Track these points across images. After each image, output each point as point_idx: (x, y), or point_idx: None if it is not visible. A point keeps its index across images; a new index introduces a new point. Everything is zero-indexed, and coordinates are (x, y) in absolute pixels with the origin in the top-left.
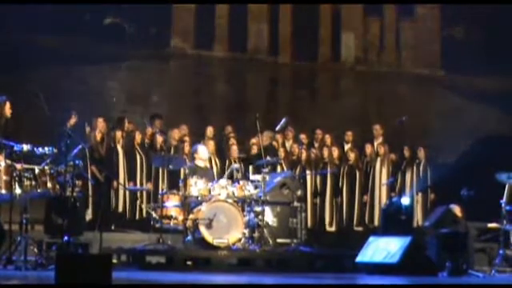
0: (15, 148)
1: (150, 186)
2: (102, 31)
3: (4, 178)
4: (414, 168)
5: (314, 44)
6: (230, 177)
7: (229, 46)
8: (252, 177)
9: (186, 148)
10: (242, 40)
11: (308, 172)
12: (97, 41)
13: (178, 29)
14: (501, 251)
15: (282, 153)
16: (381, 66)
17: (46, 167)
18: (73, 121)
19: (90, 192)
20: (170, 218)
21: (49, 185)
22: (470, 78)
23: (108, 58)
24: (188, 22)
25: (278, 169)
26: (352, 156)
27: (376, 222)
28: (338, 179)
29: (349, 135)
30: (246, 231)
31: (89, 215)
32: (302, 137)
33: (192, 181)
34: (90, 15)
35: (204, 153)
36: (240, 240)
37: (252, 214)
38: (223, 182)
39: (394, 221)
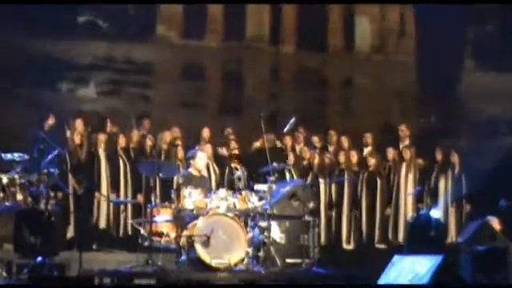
0: None
1: (140, 198)
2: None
3: None
4: (447, 175)
5: (322, 30)
6: (231, 186)
7: (223, 35)
8: (256, 186)
9: (179, 153)
10: (239, 27)
11: (321, 180)
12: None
13: (163, 15)
14: None
15: (291, 158)
16: (401, 55)
17: (16, 176)
18: (50, 122)
19: (71, 205)
20: (160, 234)
21: (19, 197)
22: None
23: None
24: (175, 7)
25: (287, 176)
26: (372, 161)
27: (401, 239)
28: (356, 188)
29: (368, 137)
30: (250, 250)
31: (70, 232)
32: (315, 139)
33: (186, 191)
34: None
35: (202, 159)
36: (243, 260)
37: (256, 230)
38: (222, 192)
39: (423, 237)
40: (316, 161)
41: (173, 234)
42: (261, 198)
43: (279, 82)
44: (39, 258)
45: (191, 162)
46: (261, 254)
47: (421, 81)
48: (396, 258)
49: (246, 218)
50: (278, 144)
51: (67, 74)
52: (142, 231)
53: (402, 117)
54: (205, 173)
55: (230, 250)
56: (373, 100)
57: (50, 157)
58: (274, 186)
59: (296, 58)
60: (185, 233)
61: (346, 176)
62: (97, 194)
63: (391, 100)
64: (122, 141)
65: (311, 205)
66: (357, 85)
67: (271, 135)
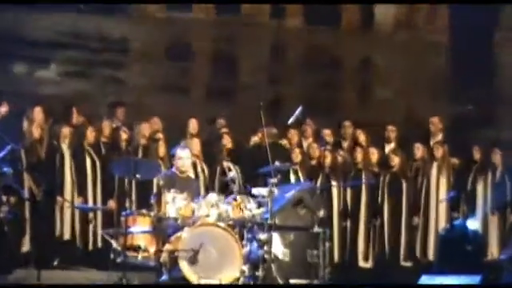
0: None
1: (112, 204)
2: None
3: None
4: (486, 177)
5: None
6: (223, 190)
7: (215, 7)
8: (254, 190)
9: (161, 149)
10: None
11: (334, 183)
12: None
13: None
14: None
15: (297, 155)
16: (432, 34)
17: None
18: (3, 110)
19: (28, 212)
20: (137, 249)
21: None
22: None
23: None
24: None
25: (292, 178)
26: (396, 160)
27: (431, 255)
28: (376, 193)
29: (391, 130)
30: (246, 268)
31: (25, 245)
32: (326, 133)
33: (169, 196)
34: None
35: (189, 157)
36: (237, 280)
37: (254, 244)
38: (213, 197)
39: (458, 252)
40: (327, 160)
41: (152, 249)
42: (260, 205)
43: (282, 63)
44: None
45: (175, 160)
46: (259, 273)
47: (455, 63)
48: (424, 278)
49: (242, 228)
50: (281, 139)
51: (23, 52)
52: (115, 244)
53: (433, 107)
54: (191, 173)
55: (221, 268)
56: (396, 86)
57: (1, 153)
58: (275, 190)
59: (303, 34)
60: (167, 247)
61: (363, 178)
62: (59, 198)
63: (419, 86)
64: (90, 134)
65: (321, 213)
66: (377, 67)
67: (273, 128)
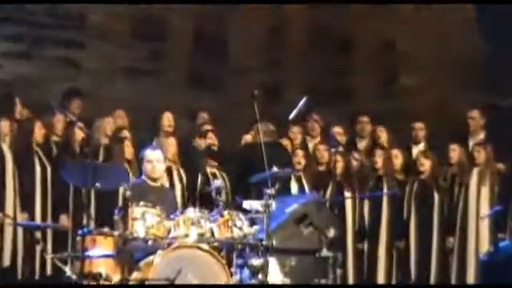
0: None
1: (64, 220)
2: None
3: None
4: None
5: None
6: (207, 203)
7: None
8: (246, 203)
9: (127, 150)
10: None
11: (348, 194)
12: None
13: None
14: None
15: (300, 159)
16: (462, 10)
17: None
18: None
19: None
20: (97, 277)
21: None
22: None
23: None
24: None
25: (294, 188)
26: (427, 165)
27: (470, 282)
28: (401, 207)
29: (420, 128)
30: None
31: None
32: (337, 131)
33: (138, 211)
34: None
35: (160, 160)
36: None
37: (246, 271)
38: (193, 212)
39: (503, 280)
40: (339, 164)
41: (116, 277)
42: (253, 222)
43: (282, 44)
44: None
45: (145, 164)
46: None
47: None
48: None
49: (231, 252)
50: (281, 138)
51: None
52: (69, 272)
53: (471, 99)
54: (166, 182)
55: None
56: (424, 73)
57: None
58: (273, 204)
59: (308, 11)
60: (135, 275)
61: (385, 188)
62: None
63: (451, 73)
64: (38, 131)
65: (331, 233)
66: (399, 50)
67: (269, 124)
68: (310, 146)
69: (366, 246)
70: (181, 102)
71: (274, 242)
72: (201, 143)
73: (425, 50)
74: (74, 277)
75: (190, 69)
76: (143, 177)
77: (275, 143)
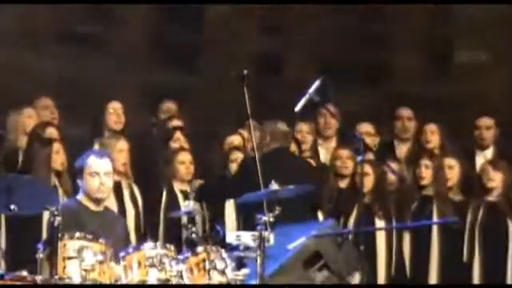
0: None
1: None
2: None
3: None
4: None
5: None
6: (173, 235)
7: None
8: (231, 235)
9: (58, 158)
10: None
11: (380, 221)
12: None
13: None
14: None
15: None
16: None
17: None
18: None
19: None
20: None
21: None
22: None
23: None
24: None
25: (301, 213)
26: (497, 179)
27: None
28: (459, 241)
29: (485, 127)
30: None
31: None
32: (365, 129)
33: (71, 246)
34: None
35: (105, 171)
36: None
37: None
38: (151, 249)
39: None
40: (369, 179)
41: None
42: (240, 264)
43: (283, 9)
44: None
45: (86, 178)
46: None
47: None
48: None
49: None
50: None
51: None
52: None
53: None
54: (113, 204)
55: None
56: (490, 45)
57: None
58: (271, 236)
59: None
60: None
61: (435, 214)
62: None
63: None
64: None
65: (356, 278)
66: (453, 15)
67: (279, 122)
68: (323, 150)
69: None
70: (135, 86)
71: None
72: (165, 147)
73: (491, 14)
74: None
75: (148, 38)
76: (79, 196)
77: (291, 154)
